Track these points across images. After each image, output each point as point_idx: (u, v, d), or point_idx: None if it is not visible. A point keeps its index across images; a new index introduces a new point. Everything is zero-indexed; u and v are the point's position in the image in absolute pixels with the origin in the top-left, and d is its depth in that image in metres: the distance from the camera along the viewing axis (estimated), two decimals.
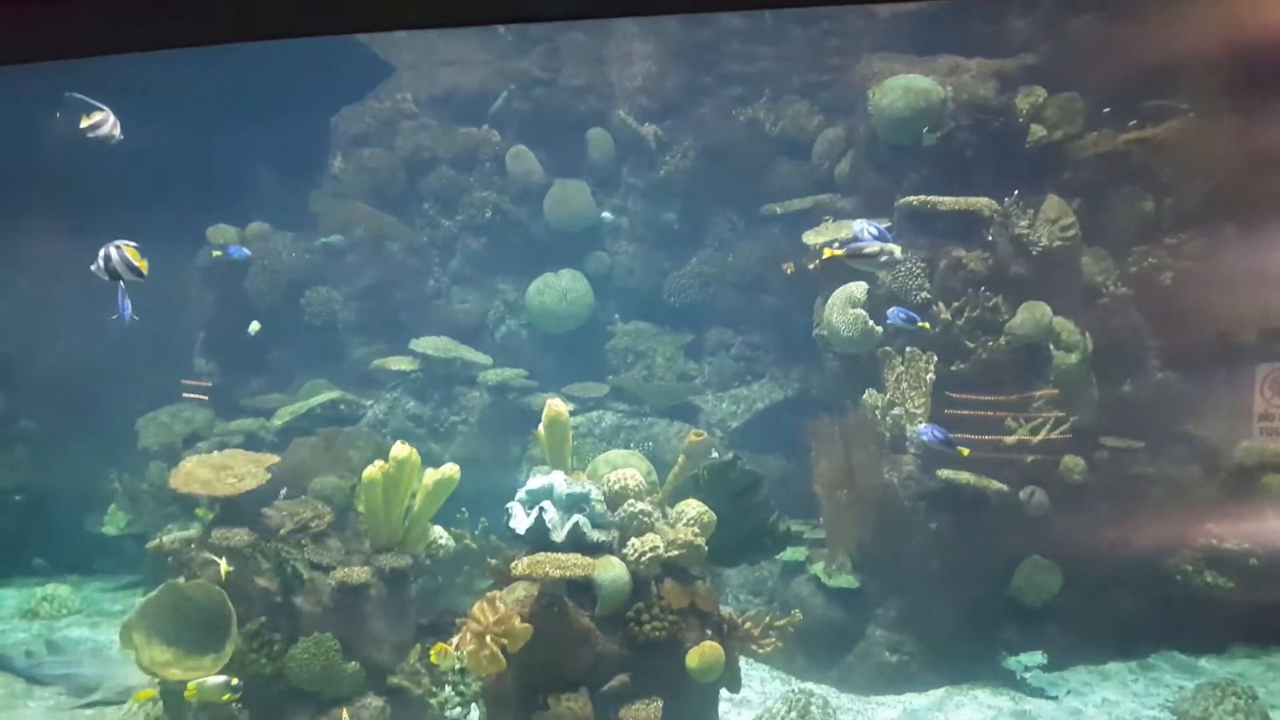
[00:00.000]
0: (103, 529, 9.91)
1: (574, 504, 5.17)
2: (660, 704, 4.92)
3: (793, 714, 6.49)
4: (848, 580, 7.64)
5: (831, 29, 9.53)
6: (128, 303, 6.74)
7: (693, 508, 5.48)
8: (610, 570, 5.01)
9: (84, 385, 10.96)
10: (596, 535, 5.12)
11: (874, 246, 6.51)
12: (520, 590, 5.02)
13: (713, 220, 10.08)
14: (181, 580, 6.05)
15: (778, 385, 9.77)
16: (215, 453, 6.42)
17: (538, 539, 5.13)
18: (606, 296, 10.11)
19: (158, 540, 6.17)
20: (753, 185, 9.86)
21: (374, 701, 5.97)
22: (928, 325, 7.27)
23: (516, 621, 4.72)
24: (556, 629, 4.91)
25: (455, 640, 5.28)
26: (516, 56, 9.80)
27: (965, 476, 7.26)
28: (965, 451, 6.85)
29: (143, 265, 5.37)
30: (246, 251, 9.03)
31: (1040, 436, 7.63)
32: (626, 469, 5.56)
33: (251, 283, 10.31)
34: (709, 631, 5.23)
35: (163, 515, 9.67)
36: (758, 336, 10.02)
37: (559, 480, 5.23)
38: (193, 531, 6.46)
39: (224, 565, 5.67)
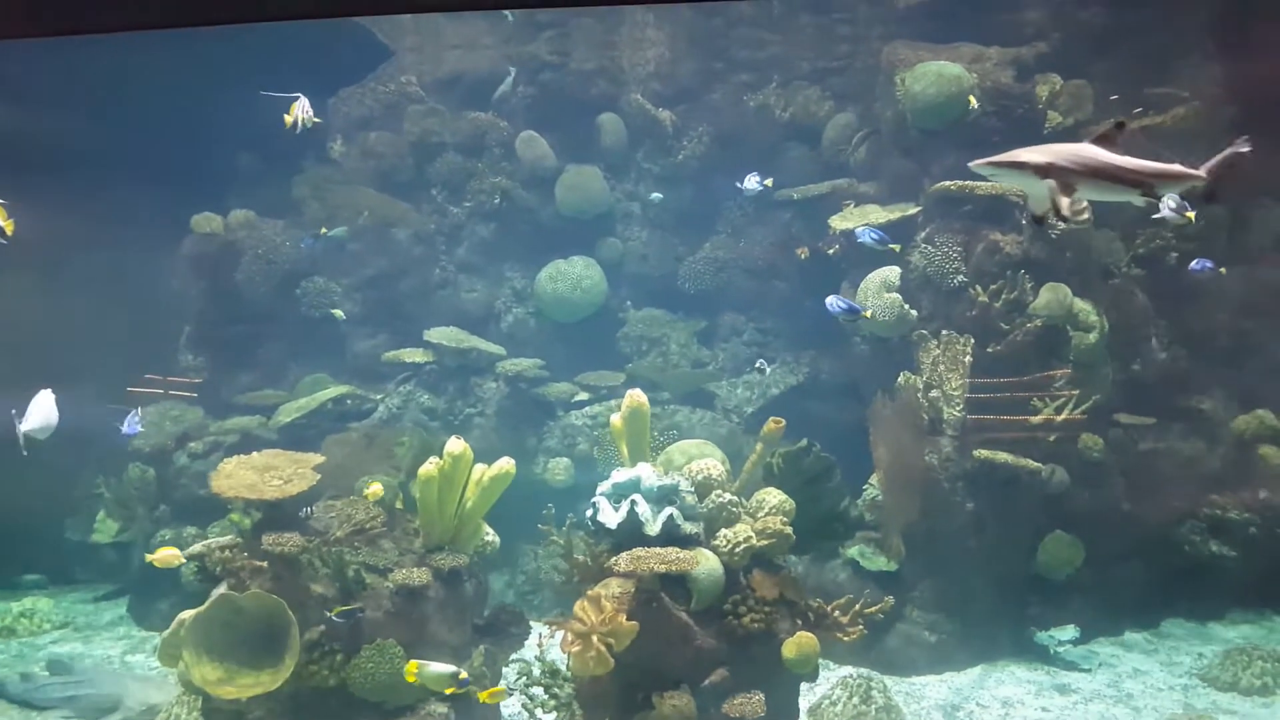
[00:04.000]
0: (93, 537, 9.35)
1: (665, 496, 5.05)
2: (762, 697, 4.86)
3: (854, 699, 6.52)
4: (885, 563, 7.70)
5: (841, 17, 9.53)
6: (137, 424, 6.92)
7: (773, 496, 5.42)
8: (706, 563, 4.92)
9: (53, 381, 10.33)
10: (689, 528, 5.02)
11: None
12: (615, 587, 4.88)
13: (725, 205, 10.00)
14: (223, 589, 5.74)
15: (790, 370, 9.78)
16: (255, 454, 6.08)
17: (630, 533, 5.00)
18: (617, 283, 9.97)
19: (202, 546, 5.82)
20: (763, 170, 9.80)
21: (438, 708, 5.75)
22: (898, 247, 7.63)
23: (623, 620, 4.59)
24: (656, 625, 4.80)
25: (543, 640, 5.14)
26: (524, 40, 9.53)
27: (1003, 457, 7.37)
28: (869, 314, 7.51)
29: (8, 226, 4.89)
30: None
31: (1064, 415, 7.80)
32: (706, 459, 5.47)
33: (244, 273, 9.84)
34: (799, 621, 5.18)
35: (152, 521, 9.22)
36: (769, 322, 10.01)
37: (647, 472, 5.11)
38: (229, 538, 6.14)
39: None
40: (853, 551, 7.83)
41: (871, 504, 7.49)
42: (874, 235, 7.47)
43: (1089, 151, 3.94)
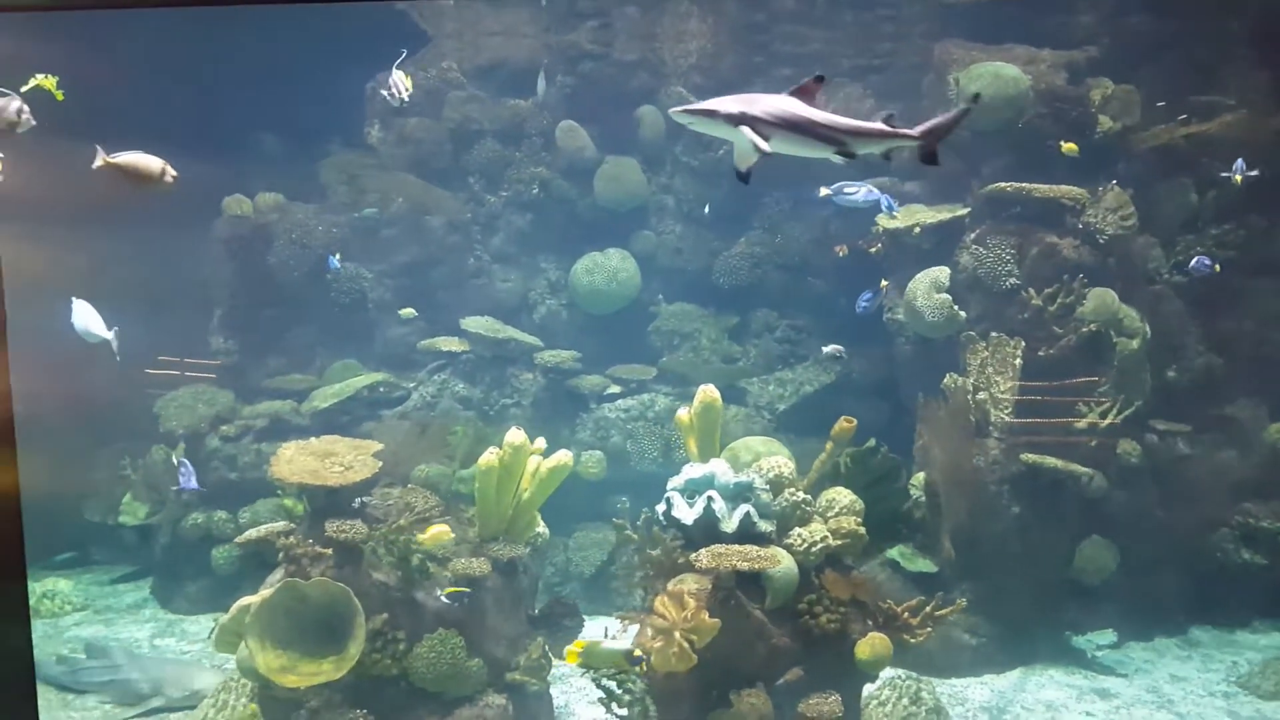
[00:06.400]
0: (120, 519, 9.22)
1: (740, 493, 5.02)
2: (838, 697, 4.85)
3: (904, 700, 6.50)
4: (926, 564, 7.69)
5: (885, 15, 9.48)
6: (191, 480, 6.89)
7: (844, 495, 5.41)
8: (782, 562, 4.89)
9: (69, 362, 10.17)
10: (764, 526, 4.99)
11: None
12: (690, 583, 4.85)
13: (761, 201, 9.96)
14: (279, 575, 5.67)
15: (822, 369, 9.76)
16: (314, 439, 6.00)
17: (704, 530, 4.97)
18: (650, 276, 9.88)
19: (257, 532, 5.74)
20: (801, 167, 9.74)
21: (496, 700, 5.75)
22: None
23: (705, 616, 4.55)
24: (733, 623, 4.77)
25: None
26: (566, 30, 9.43)
27: (1051, 461, 7.37)
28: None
29: None
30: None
31: (1108, 420, 7.82)
32: (775, 456, 5.44)
33: (277, 256, 9.72)
34: (869, 622, 5.16)
35: (181, 504, 9.08)
36: (802, 319, 9.97)
37: (722, 469, 5.08)
38: (283, 524, 6.06)
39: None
40: (893, 551, 7.81)
41: (915, 505, 7.48)
42: (887, 201, 7.61)
43: (785, 104, 3.99)
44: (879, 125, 4.13)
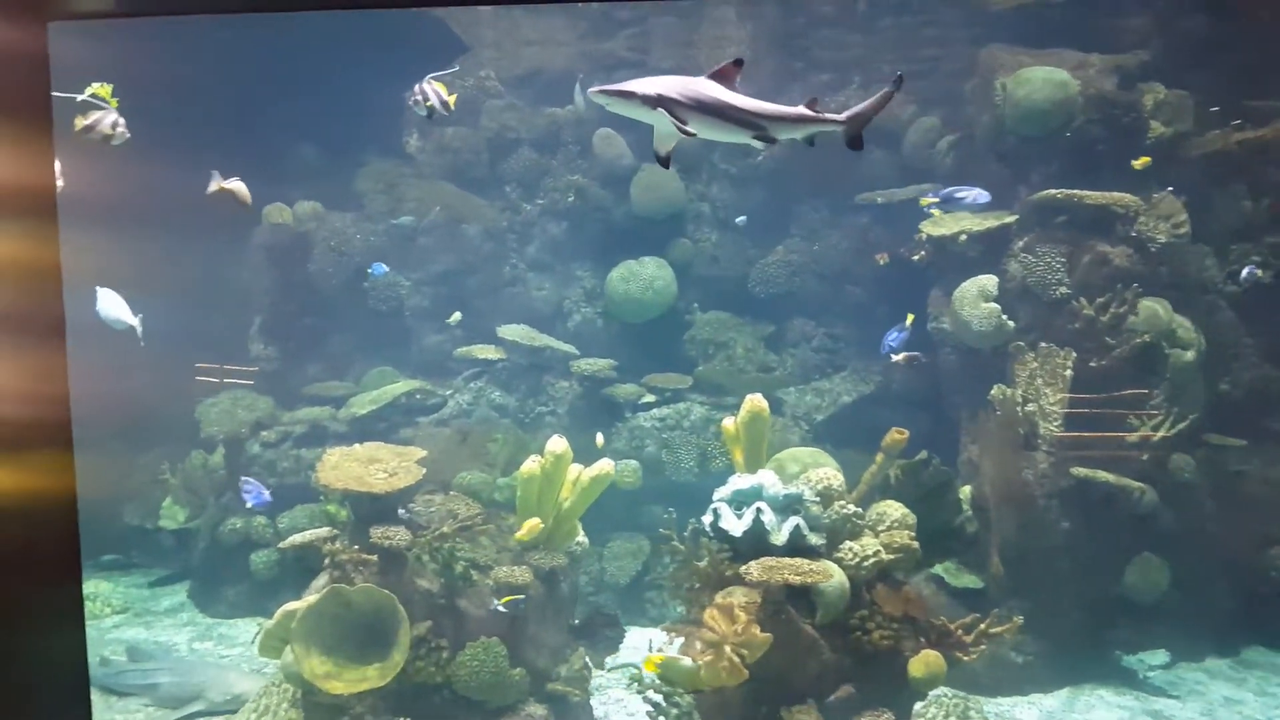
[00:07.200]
0: (160, 523, 9.28)
1: (789, 505, 4.92)
2: (891, 716, 4.72)
3: (952, 719, 6.35)
4: (972, 580, 7.53)
5: (926, 19, 9.36)
6: (262, 495, 6.98)
7: (895, 509, 5.29)
8: (834, 576, 4.78)
9: (110, 365, 10.27)
10: (813, 539, 4.88)
11: None
12: (739, 596, 4.75)
13: (799, 209, 9.86)
14: (323, 580, 5.66)
15: (860, 379, 9.63)
16: (358, 445, 5.99)
17: (754, 542, 4.87)
18: (685, 285, 9.79)
19: (303, 538, 5.72)
20: (841, 173, 9.66)
21: (537, 710, 5.69)
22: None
23: (756, 630, 4.45)
24: (784, 637, 4.66)
25: (660, 647, 5.00)
26: (603, 38, 9.40)
27: (1104, 475, 7.19)
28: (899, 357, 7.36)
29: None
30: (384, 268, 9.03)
31: (1161, 434, 7.62)
32: (823, 468, 5.34)
33: (316, 264, 9.76)
34: (922, 639, 5.03)
35: (220, 508, 9.13)
36: (840, 329, 9.85)
37: (770, 480, 4.98)
38: (326, 530, 6.04)
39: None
40: (938, 567, 7.65)
41: (967, 519, 7.32)
42: (985, 199, 6.99)
43: (702, 87, 3.88)
44: (800, 110, 4.08)
